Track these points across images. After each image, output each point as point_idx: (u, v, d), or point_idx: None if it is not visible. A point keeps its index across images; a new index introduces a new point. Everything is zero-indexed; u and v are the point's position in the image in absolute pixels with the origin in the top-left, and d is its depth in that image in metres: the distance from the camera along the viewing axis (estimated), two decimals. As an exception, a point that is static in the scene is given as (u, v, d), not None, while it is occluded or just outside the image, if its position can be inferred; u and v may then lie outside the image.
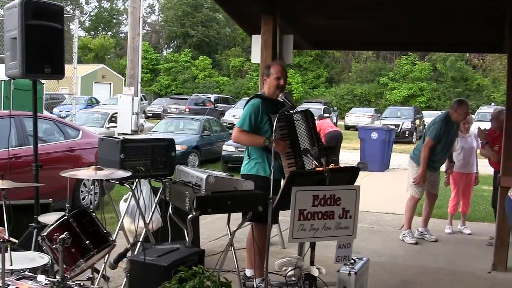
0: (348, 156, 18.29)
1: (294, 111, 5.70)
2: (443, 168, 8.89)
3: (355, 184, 5.08)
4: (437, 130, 8.24)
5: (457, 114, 8.33)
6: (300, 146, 5.57)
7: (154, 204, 6.00)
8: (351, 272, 5.26)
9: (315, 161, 5.31)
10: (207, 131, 18.92)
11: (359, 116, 35.50)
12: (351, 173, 5.16)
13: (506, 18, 7.30)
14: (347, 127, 33.42)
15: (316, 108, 29.61)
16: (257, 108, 5.71)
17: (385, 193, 12.84)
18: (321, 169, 4.83)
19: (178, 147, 16.30)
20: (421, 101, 50.27)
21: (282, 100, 5.66)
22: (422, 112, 37.97)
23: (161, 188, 5.79)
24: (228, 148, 16.47)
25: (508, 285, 6.52)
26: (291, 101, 5.74)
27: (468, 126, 9.26)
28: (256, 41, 8.07)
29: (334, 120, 30.12)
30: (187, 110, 35.60)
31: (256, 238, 5.71)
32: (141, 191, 5.60)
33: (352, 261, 5.43)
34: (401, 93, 52.07)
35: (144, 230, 5.81)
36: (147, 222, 5.87)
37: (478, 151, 9.19)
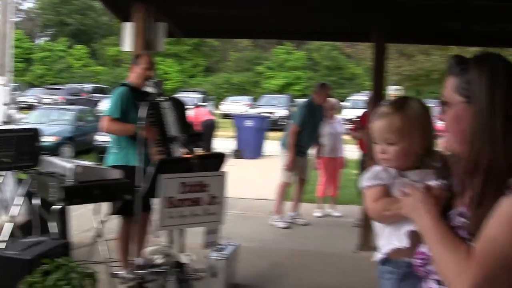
0: (224, 144, 18.41)
1: (162, 98, 5.69)
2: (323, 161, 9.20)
3: (225, 170, 5.14)
4: (301, 115, 8.50)
5: (319, 97, 8.64)
6: (168, 134, 5.57)
7: (20, 197, 5.82)
8: (220, 258, 5.34)
9: (183, 148, 5.33)
10: (81, 122, 18.47)
11: (235, 105, 35.72)
12: (218, 160, 5.21)
13: (372, 9, 7.58)
14: (224, 116, 33.57)
15: (192, 97, 29.56)
16: (124, 96, 5.66)
17: (258, 180, 13.06)
18: (189, 156, 4.87)
19: (51, 138, 15.93)
20: (297, 90, 51.19)
21: (150, 87, 5.64)
22: (298, 100, 38.69)
23: (27, 180, 5.63)
24: (101, 138, 16.10)
25: (371, 263, 6.80)
26: (160, 89, 5.72)
27: (333, 112, 9.61)
28: (127, 29, 7.95)
29: (211, 109, 30.17)
30: (62, 100, 34.51)
31: (125, 229, 5.69)
32: (5, 183, 5.43)
33: (222, 246, 5.52)
34: (277, 82, 52.81)
35: (8, 223, 5.63)
36: (13, 215, 5.68)
37: (346, 136, 9.57)
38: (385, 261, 2.50)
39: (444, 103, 1.79)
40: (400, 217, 2.18)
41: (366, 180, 2.45)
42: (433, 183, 1.97)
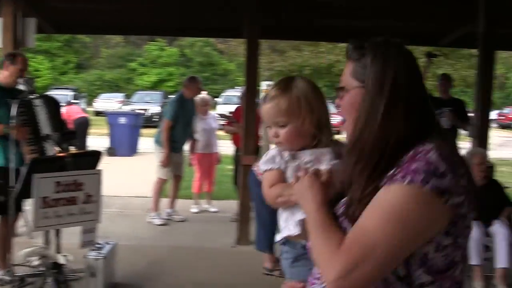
0: (97, 142, 18.04)
1: (34, 96, 5.51)
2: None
3: (100, 168, 5.07)
4: (172, 110, 8.50)
5: (190, 91, 8.68)
6: (41, 132, 5.40)
7: None
8: (98, 257, 5.26)
9: (57, 147, 5.20)
10: None
11: (108, 102, 35.09)
12: (93, 158, 5.13)
13: (244, 5, 7.70)
14: (97, 113, 32.87)
15: (64, 94, 28.70)
16: (-7, 95, 5.45)
17: (134, 177, 12.91)
18: (62, 154, 4.76)
19: None
20: (170, 86, 50.96)
21: (21, 85, 5.46)
22: (171, 96, 38.53)
23: None
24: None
25: (249, 257, 6.93)
26: (32, 86, 5.54)
27: (207, 108, 9.68)
28: (-5, 25, 7.64)
29: (83, 106, 29.44)
30: None
31: (1, 230, 5.48)
32: None
33: (100, 245, 5.43)
34: (150, 79, 52.34)
35: None
36: None
37: (219, 131, 9.67)
38: (284, 242, 2.51)
39: (340, 88, 1.77)
40: (292, 203, 2.20)
41: (262, 164, 2.45)
42: (326, 164, 1.98)
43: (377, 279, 1.51)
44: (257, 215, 6.59)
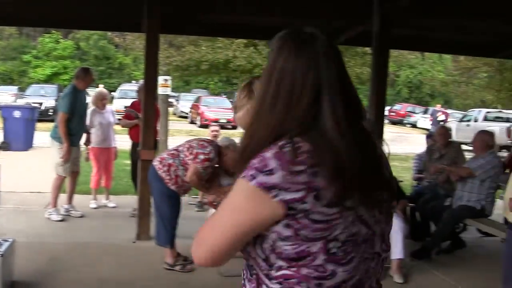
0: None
1: None
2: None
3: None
4: (68, 103, 8.36)
5: (83, 83, 8.59)
6: None
7: None
8: (-4, 255, 5.13)
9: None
10: None
11: (1, 95, 33.85)
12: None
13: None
14: (-11, 107, 31.66)
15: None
16: None
17: (30, 172, 12.57)
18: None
19: None
20: (65, 79, 49.74)
21: None
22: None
23: None
24: None
25: (150, 253, 6.94)
26: None
27: (105, 102, 9.59)
28: None
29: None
30: None
31: None
32: None
33: (-3, 243, 5.30)
34: (45, 71, 50.92)
35: None
36: None
37: (116, 126, 9.59)
38: None
39: None
40: None
41: None
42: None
43: (223, 256, 1.66)
44: (156, 210, 6.61)
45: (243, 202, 1.58)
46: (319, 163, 1.54)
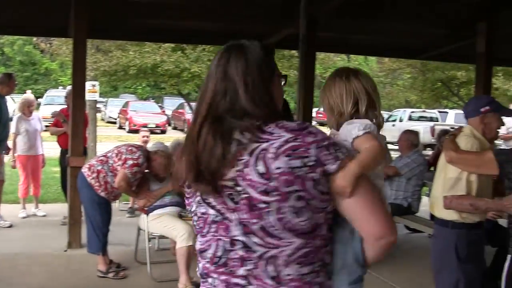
0: None
1: None
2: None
3: None
4: None
5: (9, 88, 8.43)
6: None
7: None
8: None
9: None
10: None
11: None
12: None
13: (71, 4, 7.57)
14: None
15: None
16: None
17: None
18: None
19: None
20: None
21: None
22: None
23: None
24: None
25: (82, 261, 6.86)
26: None
27: (32, 109, 9.42)
28: None
29: None
30: None
31: None
32: None
33: None
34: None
35: None
36: None
37: (44, 133, 9.43)
38: None
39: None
40: None
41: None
42: None
43: None
44: (87, 217, 6.55)
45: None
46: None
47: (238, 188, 1.80)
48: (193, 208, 1.95)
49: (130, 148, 6.48)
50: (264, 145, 1.79)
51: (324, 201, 1.82)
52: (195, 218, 1.94)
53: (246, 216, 1.79)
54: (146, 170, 6.62)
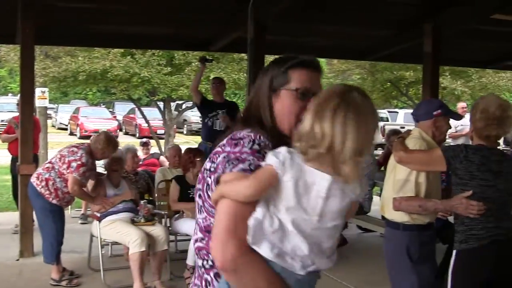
0: None
1: None
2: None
3: None
4: None
5: None
6: None
7: None
8: None
9: None
10: None
11: None
12: None
13: (18, 10, 7.49)
14: None
15: None
16: None
17: None
18: None
19: None
20: None
21: None
22: None
23: None
24: None
25: (35, 269, 6.80)
26: None
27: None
28: None
29: None
30: None
31: None
32: None
33: None
34: None
35: None
36: None
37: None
38: None
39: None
40: None
41: None
42: None
43: None
44: (41, 228, 6.50)
45: None
46: None
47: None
48: None
49: (71, 150, 6.46)
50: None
51: (212, 207, 1.89)
52: None
53: (198, 214, 2.07)
54: (105, 174, 6.62)
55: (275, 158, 1.74)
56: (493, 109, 3.72)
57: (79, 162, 6.30)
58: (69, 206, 8.43)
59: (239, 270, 1.73)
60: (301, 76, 2.03)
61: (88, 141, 7.09)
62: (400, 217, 4.13)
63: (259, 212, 1.74)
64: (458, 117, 4.62)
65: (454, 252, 3.83)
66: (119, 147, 7.45)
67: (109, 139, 6.70)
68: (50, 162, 6.54)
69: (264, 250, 1.72)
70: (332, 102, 1.76)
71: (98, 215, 6.53)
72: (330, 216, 1.74)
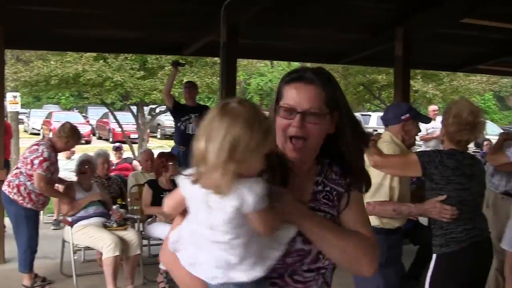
0: None
1: None
2: None
3: None
4: None
5: None
6: None
7: None
8: None
9: None
10: None
11: None
12: None
13: None
14: None
15: None
16: None
17: None
18: None
19: None
20: None
21: None
22: None
23: None
24: None
25: (6, 276, 6.74)
26: None
27: None
28: None
29: None
30: None
31: None
32: None
33: None
34: None
35: None
36: None
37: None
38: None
39: (315, 114, 1.93)
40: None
41: None
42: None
43: None
44: (16, 236, 6.45)
45: None
46: None
47: None
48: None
49: (32, 148, 6.46)
50: None
51: None
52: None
53: None
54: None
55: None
56: (465, 115, 3.77)
57: (41, 158, 6.27)
58: (41, 212, 8.35)
59: (171, 271, 1.98)
60: (288, 92, 2.00)
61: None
62: (371, 221, 4.17)
63: (183, 224, 1.87)
64: (427, 120, 4.66)
65: (434, 256, 3.86)
66: (91, 154, 7.47)
67: (74, 129, 6.73)
68: (17, 168, 6.51)
69: (181, 257, 1.85)
70: (209, 116, 1.73)
71: (70, 220, 6.50)
72: (220, 229, 1.72)
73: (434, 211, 3.76)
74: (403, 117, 4.29)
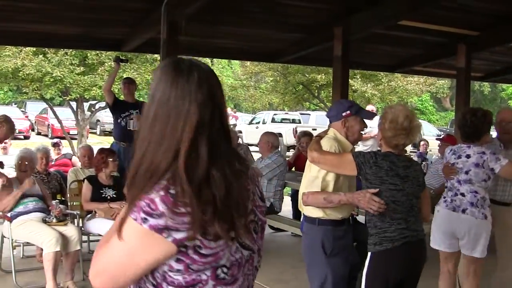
0: None
1: None
2: None
3: None
4: None
5: None
6: None
7: None
8: None
9: None
10: None
11: None
12: None
13: None
14: None
15: None
16: None
17: None
18: None
19: None
20: None
21: None
22: None
23: None
24: None
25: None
26: None
27: None
28: None
29: None
30: None
31: None
32: None
33: None
34: None
35: None
36: None
37: None
38: None
39: None
40: None
41: None
42: None
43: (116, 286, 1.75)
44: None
45: (138, 244, 1.64)
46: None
47: (256, 218, 1.90)
48: (223, 261, 1.74)
49: None
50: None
51: None
52: (224, 270, 1.74)
53: (261, 241, 1.94)
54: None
55: None
56: (401, 120, 3.91)
57: None
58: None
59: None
60: None
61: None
62: (316, 212, 4.35)
63: None
64: (370, 116, 4.76)
65: (369, 254, 4.04)
66: (31, 149, 7.41)
67: (7, 118, 6.68)
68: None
69: None
70: None
71: (9, 215, 6.46)
72: None
73: (363, 200, 3.88)
74: (344, 114, 4.44)
